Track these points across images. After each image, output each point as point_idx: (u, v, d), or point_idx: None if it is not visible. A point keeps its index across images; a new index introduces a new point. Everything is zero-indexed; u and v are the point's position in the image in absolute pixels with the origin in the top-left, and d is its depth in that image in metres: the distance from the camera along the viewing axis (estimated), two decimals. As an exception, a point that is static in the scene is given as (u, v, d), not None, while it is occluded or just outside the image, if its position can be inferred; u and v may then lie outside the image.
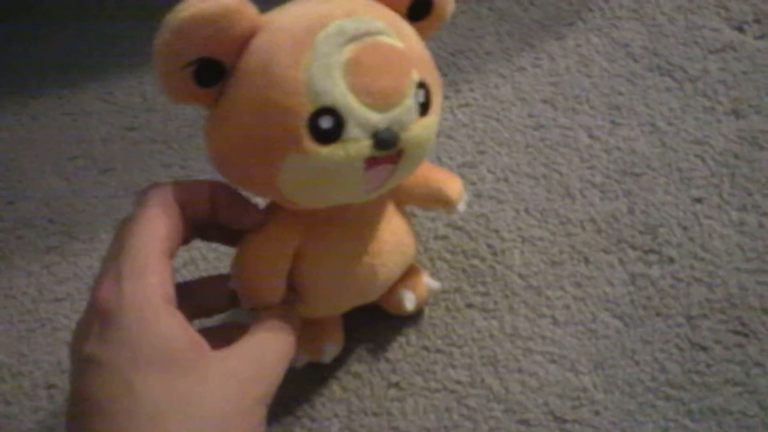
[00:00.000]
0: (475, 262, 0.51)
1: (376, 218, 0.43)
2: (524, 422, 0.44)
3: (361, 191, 0.38)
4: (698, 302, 0.47)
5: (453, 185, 0.46)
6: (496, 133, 0.58)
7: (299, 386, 0.48)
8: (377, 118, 0.35)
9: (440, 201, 0.46)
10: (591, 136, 0.56)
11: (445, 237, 0.53)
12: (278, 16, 0.36)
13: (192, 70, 0.35)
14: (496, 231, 0.53)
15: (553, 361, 0.46)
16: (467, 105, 0.60)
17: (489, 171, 0.56)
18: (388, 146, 0.36)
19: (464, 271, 0.51)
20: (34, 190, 0.63)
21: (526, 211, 0.53)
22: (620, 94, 0.58)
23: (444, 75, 0.62)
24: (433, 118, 0.38)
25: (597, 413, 0.44)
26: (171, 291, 0.36)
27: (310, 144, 0.34)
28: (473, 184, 0.55)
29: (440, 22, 0.42)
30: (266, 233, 0.40)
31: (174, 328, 0.34)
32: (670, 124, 0.55)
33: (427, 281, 0.48)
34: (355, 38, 0.35)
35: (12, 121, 0.69)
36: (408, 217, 0.46)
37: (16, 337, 0.54)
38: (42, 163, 0.65)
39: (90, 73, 0.72)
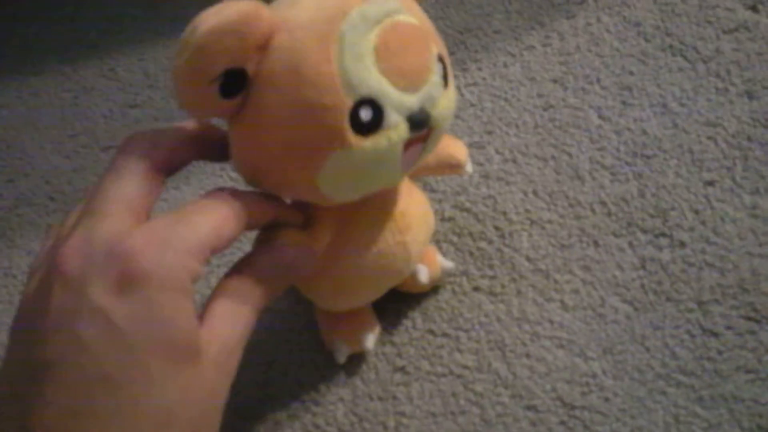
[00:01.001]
0: (483, 244, 0.51)
1: (399, 195, 0.42)
2: (532, 408, 0.44)
3: (398, 175, 0.37)
4: (710, 287, 0.46)
5: (459, 148, 0.47)
6: (504, 114, 0.57)
7: (304, 371, 0.47)
8: (412, 100, 0.35)
9: (452, 166, 0.46)
10: (601, 117, 0.55)
11: (451, 219, 0.52)
12: (292, 13, 0.35)
13: (218, 85, 0.33)
14: (504, 213, 0.52)
15: (562, 346, 0.46)
16: (475, 84, 0.59)
17: (497, 152, 0.55)
18: (422, 126, 0.35)
19: (471, 253, 0.50)
20: (35, 168, 0.63)
21: (535, 193, 0.52)
22: (631, 74, 0.57)
23: (452, 54, 0.61)
24: (453, 90, 0.38)
25: (606, 399, 0.43)
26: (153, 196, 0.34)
27: (353, 138, 0.34)
28: (481, 165, 0.54)
29: None
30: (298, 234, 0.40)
31: (182, 310, 0.31)
32: (682, 105, 0.54)
33: (440, 259, 0.48)
34: (377, 22, 0.34)
35: (13, 98, 0.69)
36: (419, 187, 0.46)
37: (16, 317, 0.54)
38: (43, 140, 0.65)
39: (91, 50, 0.71)
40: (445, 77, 0.37)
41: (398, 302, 0.48)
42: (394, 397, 0.46)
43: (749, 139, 0.52)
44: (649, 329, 0.45)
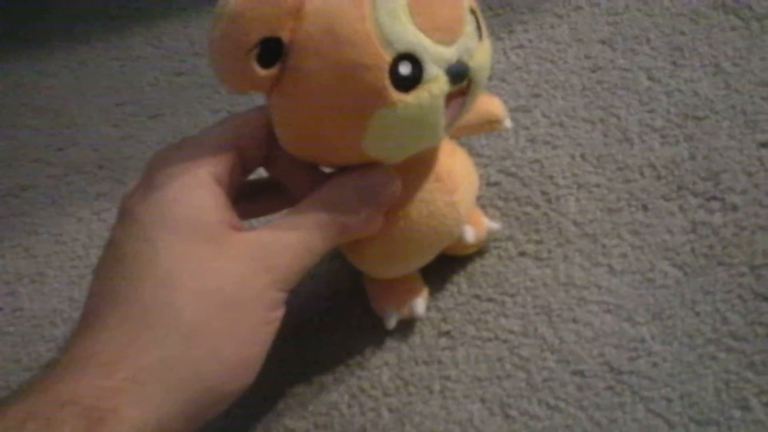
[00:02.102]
0: (529, 209, 0.50)
1: (444, 154, 0.42)
2: (578, 373, 0.43)
3: (441, 132, 0.37)
4: (762, 251, 0.45)
5: (496, 103, 0.47)
6: (551, 76, 0.56)
7: (350, 335, 0.47)
8: (449, 52, 0.34)
9: (491, 122, 0.46)
10: (651, 78, 0.54)
11: (497, 183, 0.52)
12: None
13: (256, 54, 0.33)
14: (551, 177, 0.51)
15: (609, 311, 0.45)
16: (521, 47, 0.58)
17: (543, 115, 0.54)
18: (462, 78, 0.35)
19: (517, 218, 0.50)
20: (83, 137, 0.64)
21: (582, 156, 0.51)
22: (682, 33, 0.55)
23: (497, 15, 0.60)
24: (488, 42, 0.38)
25: (654, 365, 0.43)
26: (224, 175, 0.38)
27: (396, 95, 0.34)
28: (527, 129, 0.54)
29: None
30: None
31: (207, 201, 0.36)
32: (735, 65, 0.53)
33: (486, 220, 0.48)
34: None
35: (60, 67, 0.70)
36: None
37: (67, 282, 0.55)
38: (90, 109, 0.65)
39: (137, 18, 0.71)
40: (478, 29, 0.37)
41: (443, 267, 0.48)
42: (440, 362, 0.46)
43: (805, 99, 0.50)
44: (699, 294, 0.44)
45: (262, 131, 0.39)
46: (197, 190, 0.36)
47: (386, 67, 0.33)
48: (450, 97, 0.36)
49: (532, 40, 0.58)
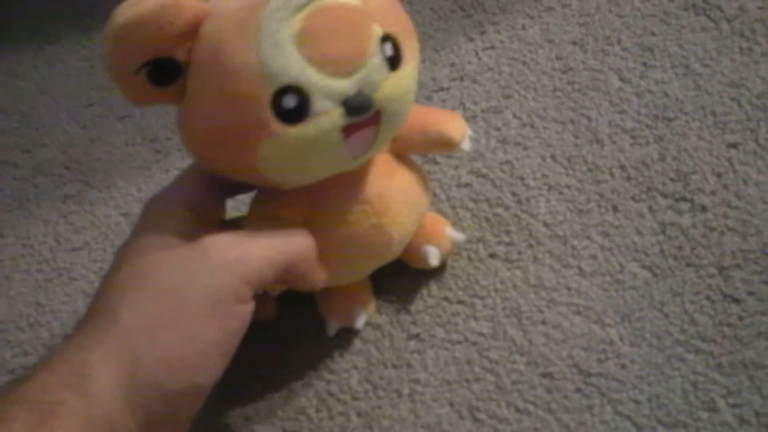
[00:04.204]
0: (499, 210, 0.50)
1: (377, 177, 0.41)
2: (547, 375, 0.43)
3: (347, 159, 0.36)
4: (731, 252, 0.45)
5: (453, 124, 0.44)
6: (522, 77, 0.56)
7: (318, 338, 0.47)
8: (344, 85, 0.34)
9: (442, 144, 0.44)
10: (622, 79, 0.54)
11: (468, 185, 0.51)
12: (221, 1, 0.34)
13: (146, 73, 0.33)
14: (521, 178, 0.51)
15: (579, 313, 0.45)
16: (493, 47, 0.58)
17: (515, 116, 0.54)
18: (361, 111, 0.34)
19: (488, 219, 0.50)
20: (51, 138, 0.63)
21: (553, 157, 0.51)
22: (653, 34, 0.55)
23: (469, 16, 0.60)
24: (407, 69, 0.37)
25: (623, 366, 0.43)
26: (194, 197, 0.39)
27: (278, 127, 0.33)
28: (498, 129, 0.53)
29: None
30: (268, 214, 0.40)
31: (178, 227, 0.37)
32: (705, 65, 0.53)
33: (450, 233, 0.47)
34: (302, 6, 0.33)
35: (29, 68, 0.69)
36: (416, 165, 0.45)
37: (33, 286, 0.54)
38: (58, 110, 0.65)
39: (106, 18, 0.70)
40: (395, 57, 0.36)
41: (413, 270, 0.47)
42: (409, 365, 0.45)
43: (774, 100, 0.50)
44: (668, 295, 0.44)
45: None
46: (168, 221, 0.38)
47: (267, 100, 0.33)
48: (355, 127, 0.35)
49: (503, 41, 0.58)
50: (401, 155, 0.44)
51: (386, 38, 0.35)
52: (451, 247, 0.47)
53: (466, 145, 0.44)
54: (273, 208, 0.40)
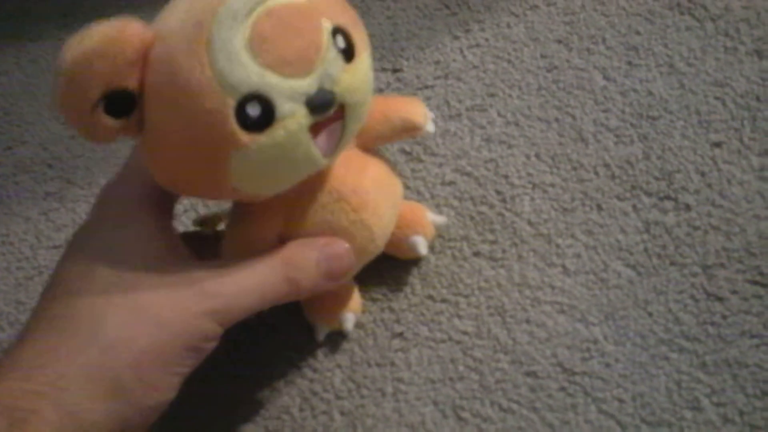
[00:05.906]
0: (483, 209, 0.50)
1: (349, 173, 0.41)
2: (532, 374, 0.43)
3: (318, 159, 0.36)
4: (715, 251, 0.45)
5: (414, 109, 0.44)
6: (507, 75, 0.56)
7: (301, 337, 0.47)
8: (305, 84, 0.33)
9: (406, 130, 0.44)
10: (606, 78, 0.54)
11: (452, 183, 0.51)
12: (166, 21, 0.34)
13: (102, 108, 0.33)
14: (506, 177, 0.51)
15: (563, 312, 0.45)
16: (477, 46, 0.58)
17: (499, 114, 0.54)
18: (326, 108, 0.34)
19: (472, 218, 0.49)
20: (32, 135, 0.62)
21: (537, 156, 0.51)
22: (638, 33, 0.55)
23: (454, 14, 0.60)
24: (362, 58, 0.36)
25: (607, 365, 0.42)
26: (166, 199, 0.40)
27: (246, 137, 0.33)
28: (482, 128, 0.53)
29: None
30: (248, 222, 0.39)
31: (149, 227, 0.38)
32: (689, 65, 0.53)
33: (432, 217, 0.47)
34: (248, 13, 0.32)
35: (10, 65, 0.68)
36: (384, 156, 0.45)
37: (14, 284, 0.54)
38: (41, 107, 0.64)
39: (89, 16, 0.69)
40: (349, 48, 0.35)
41: (397, 268, 0.47)
42: (393, 364, 0.45)
43: (758, 99, 0.50)
44: (652, 294, 0.44)
45: None
46: (139, 216, 0.38)
47: (231, 112, 0.32)
48: (321, 125, 0.35)
49: (488, 39, 0.58)
50: (368, 148, 0.43)
51: (336, 31, 0.35)
52: (436, 231, 0.47)
53: (431, 127, 0.45)
54: (251, 231, 0.40)
